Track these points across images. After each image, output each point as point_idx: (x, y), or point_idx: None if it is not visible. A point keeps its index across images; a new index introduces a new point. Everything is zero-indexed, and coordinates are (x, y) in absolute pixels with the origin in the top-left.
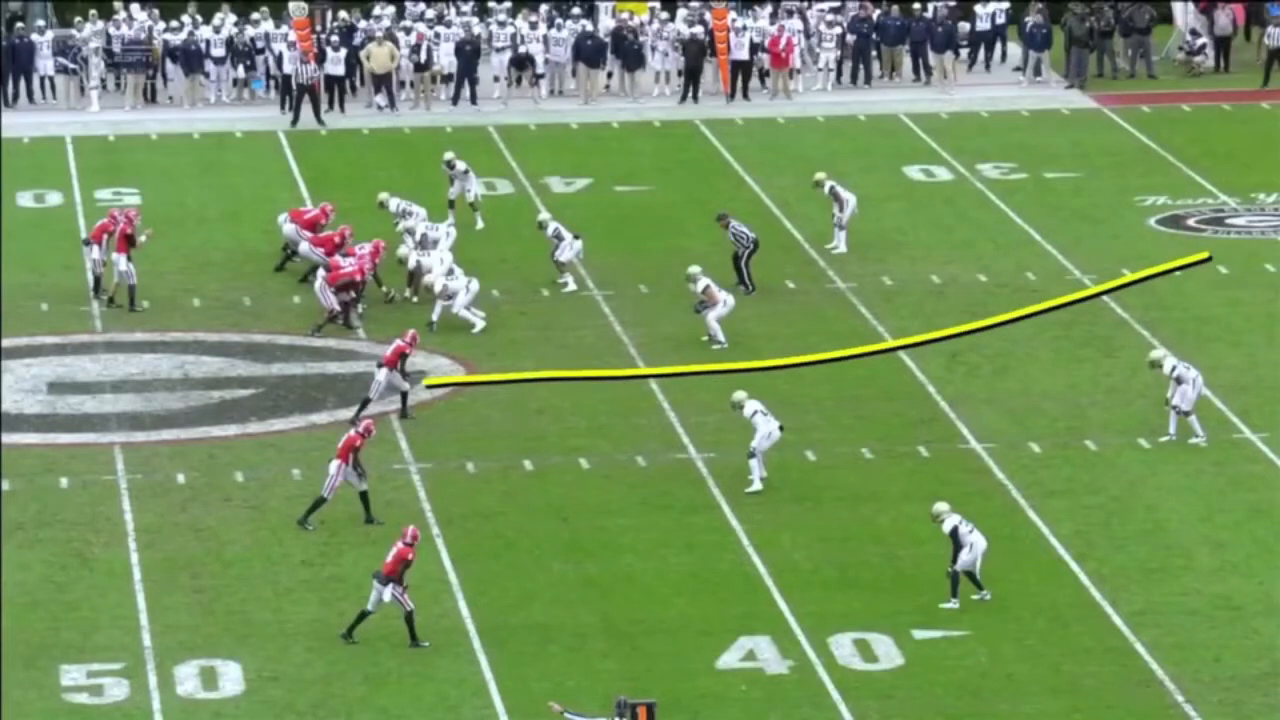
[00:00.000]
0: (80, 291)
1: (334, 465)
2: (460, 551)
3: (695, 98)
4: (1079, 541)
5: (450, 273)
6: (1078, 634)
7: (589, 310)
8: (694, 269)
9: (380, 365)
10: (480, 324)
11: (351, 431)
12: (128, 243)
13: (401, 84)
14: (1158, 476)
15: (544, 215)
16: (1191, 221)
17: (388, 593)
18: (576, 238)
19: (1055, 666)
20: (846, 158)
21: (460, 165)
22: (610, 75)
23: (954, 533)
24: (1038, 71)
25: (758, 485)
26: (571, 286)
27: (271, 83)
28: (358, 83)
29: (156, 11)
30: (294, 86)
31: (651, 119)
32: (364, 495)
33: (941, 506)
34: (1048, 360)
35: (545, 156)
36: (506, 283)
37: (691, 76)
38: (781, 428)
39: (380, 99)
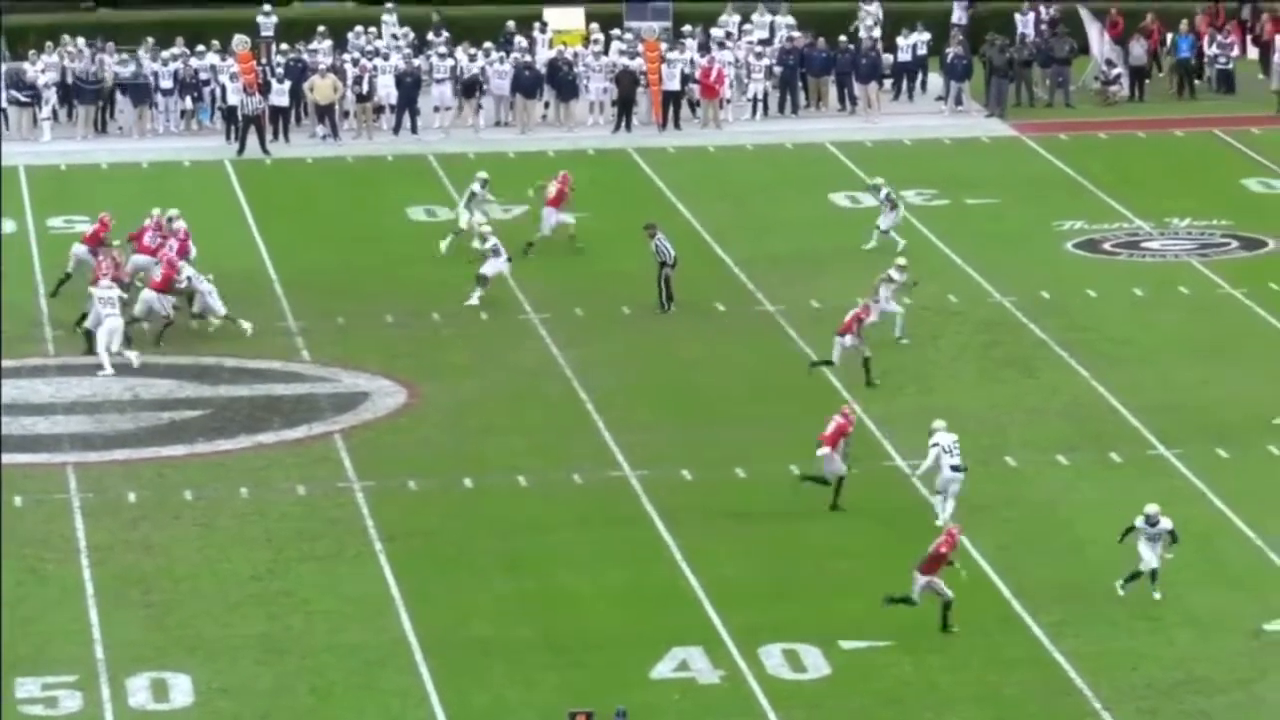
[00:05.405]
0: (34, 315)
1: None
2: (403, 567)
3: (628, 127)
4: (1001, 555)
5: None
6: (1000, 644)
7: (527, 333)
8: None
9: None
10: (216, 323)
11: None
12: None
13: (344, 114)
14: (1076, 492)
15: (486, 228)
16: (1108, 246)
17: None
18: (509, 260)
19: (979, 676)
20: (775, 185)
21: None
22: (546, 106)
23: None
24: (959, 101)
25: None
26: (474, 300)
27: (218, 113)
28: (302, 113)
29: (111, 44)
30: (240, 117)
31: (586, 148)
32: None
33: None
34: (970, 380)
35: None
36: (447, 306)
37: (625, 107)
38: (954, 467)
39: (323, 129)
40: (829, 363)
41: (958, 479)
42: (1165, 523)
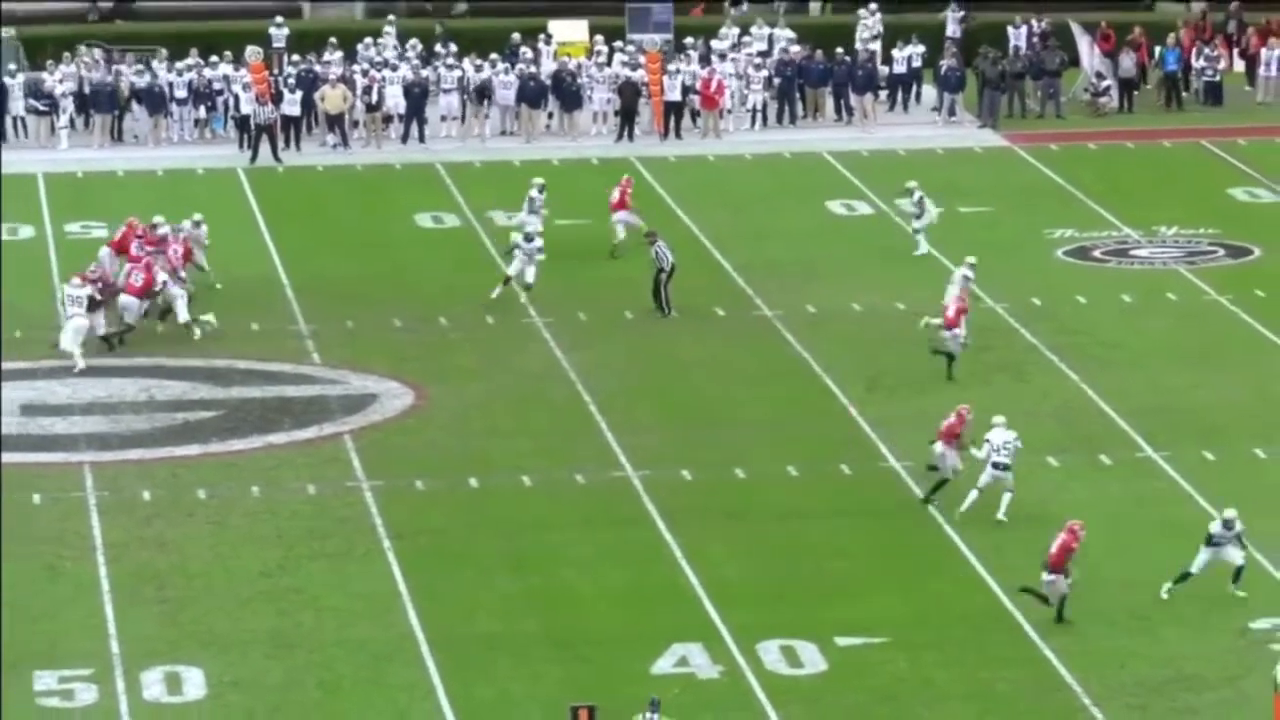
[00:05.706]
0: (51, 319)
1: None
2: (411, 565)
3: (630, 137)
4: (993, 555)
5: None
6: (993, 642)
7: (531, 337)
8: None
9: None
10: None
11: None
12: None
13: (354, 124)
14: (1067, 493)
15: (533, 228)
16: (1097, 253)
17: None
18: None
19: (971, 673)
20: (773, 194)
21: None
22: (550, 115)
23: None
24: (952, 112)
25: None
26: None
27: (231, 123)
28: (313, 123)
29: (130, 56)
30: (252, 126)
31: (589, 157)
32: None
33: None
34: (963, 384)
35: (489, 192)
36: (454, 310)
37: (627, 117)
38: (996, 465)
39: (333, 138)
40: (951, 356)
41: (1000, 477)
42: (1239, 525)
